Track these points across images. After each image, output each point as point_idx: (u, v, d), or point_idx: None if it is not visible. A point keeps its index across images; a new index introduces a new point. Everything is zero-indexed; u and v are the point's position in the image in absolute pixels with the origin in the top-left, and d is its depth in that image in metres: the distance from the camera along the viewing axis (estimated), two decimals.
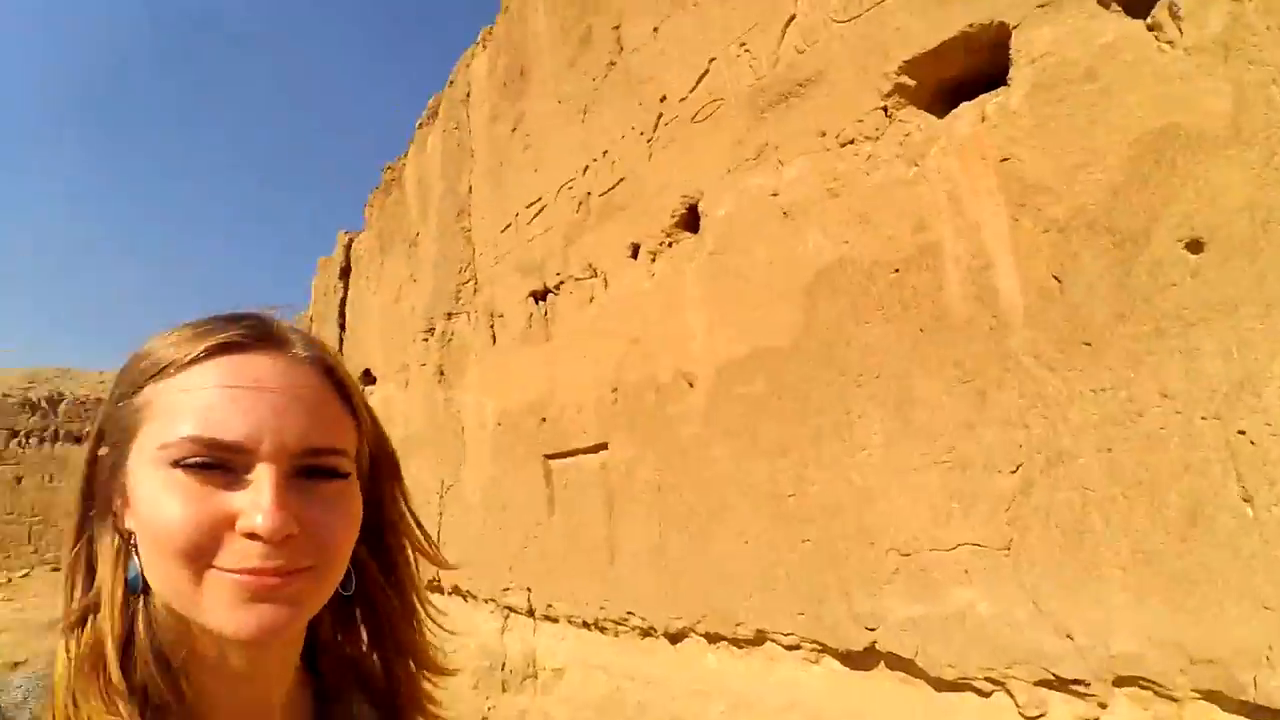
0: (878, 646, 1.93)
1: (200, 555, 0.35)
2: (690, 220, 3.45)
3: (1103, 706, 1.46)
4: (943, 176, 1.87)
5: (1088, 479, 1.54)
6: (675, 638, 2.95)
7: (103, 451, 0.39)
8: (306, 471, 0.38)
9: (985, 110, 1.84)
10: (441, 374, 6.47)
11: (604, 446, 4.49)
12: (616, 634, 4.43)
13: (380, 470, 0.46)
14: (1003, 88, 1.84)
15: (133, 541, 0.37)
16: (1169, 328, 1.49)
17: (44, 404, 16.67)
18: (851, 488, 2.04)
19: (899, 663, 1.90)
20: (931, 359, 1.84)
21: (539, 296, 5.50)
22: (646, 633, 4.14)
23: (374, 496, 0.45)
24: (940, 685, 1.80)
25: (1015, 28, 1.78)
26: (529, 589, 5.16)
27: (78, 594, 0.39)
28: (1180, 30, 1.51)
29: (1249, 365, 1.37)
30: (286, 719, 0.44)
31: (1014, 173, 1.73)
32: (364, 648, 0.49)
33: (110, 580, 0.37)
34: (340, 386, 0.41)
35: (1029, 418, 1.64)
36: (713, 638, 2.74)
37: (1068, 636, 1.51)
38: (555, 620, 5.00)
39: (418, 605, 0.49)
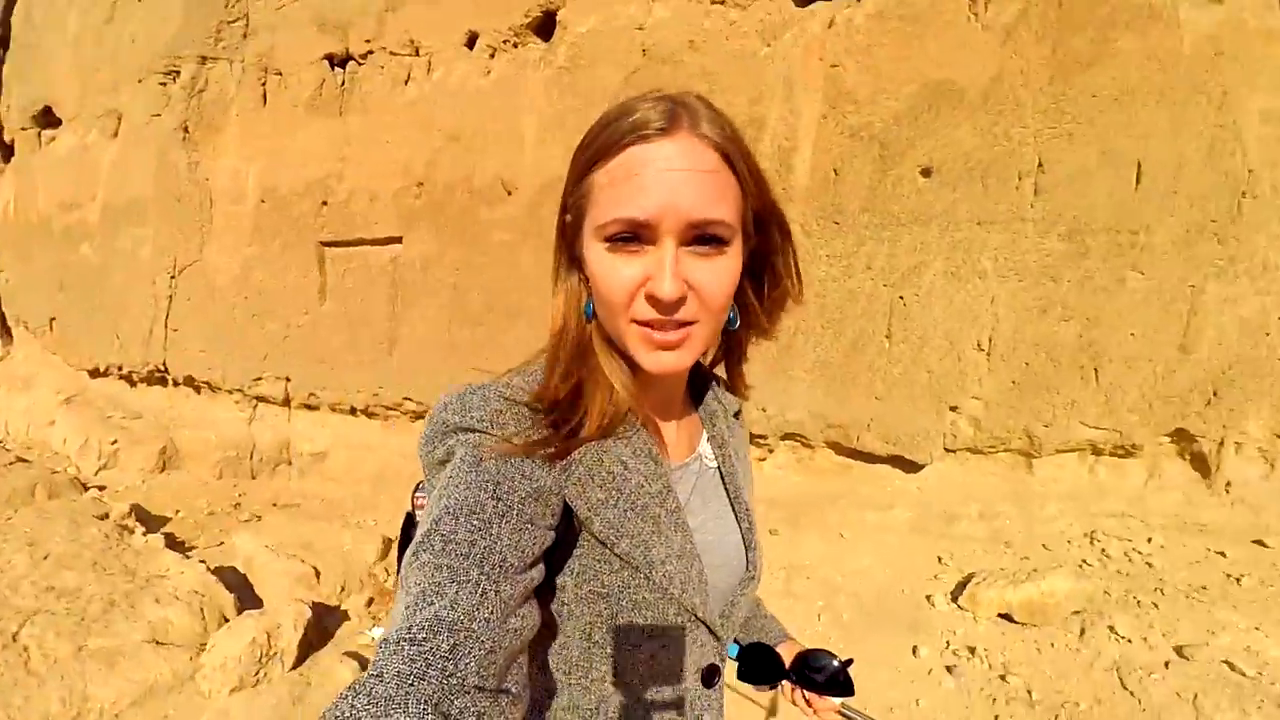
0: None
1: (625, 309, 0.49)
2: (545, 26, 3.36)
3: (770, 451, 2.21)
4: (787, 64, 2.25)
5: (803, 315, 2.19)
6: None
7: (567, 219, 0.53)
8: (697, 239, 0.47)
9: (835, 17, 2.24)
10: (186, 131, 5.29)
11: (397, 240, 4.34)
12: (387, 418, 4.55)
13: (765, 222, 0.54)
14: (856, 3, 2.25)
15: (588, 285, 0.53)
16: (888, 224, 2.14)
17: None
18: None
19: None
20: None
21: (338, 62, 4.79)
22: (420, 415, 4.35)
23: (760, 245, 0.55)
24: None
25: None
26: (287, 378, 4.89)
27: (560, 307, 0.55)
28: (986, 8, 2.06)
29: (920, 258, 2.09)
30: (683, 399, 0.64)
31: (836, 80, 2.18)
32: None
33: (576, 305, 0.54)
34: (728, 158, 0.49)
35: None
36: None
37: (762, 409, 2.20)
38: (315, 408, 4.89)
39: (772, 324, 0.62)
